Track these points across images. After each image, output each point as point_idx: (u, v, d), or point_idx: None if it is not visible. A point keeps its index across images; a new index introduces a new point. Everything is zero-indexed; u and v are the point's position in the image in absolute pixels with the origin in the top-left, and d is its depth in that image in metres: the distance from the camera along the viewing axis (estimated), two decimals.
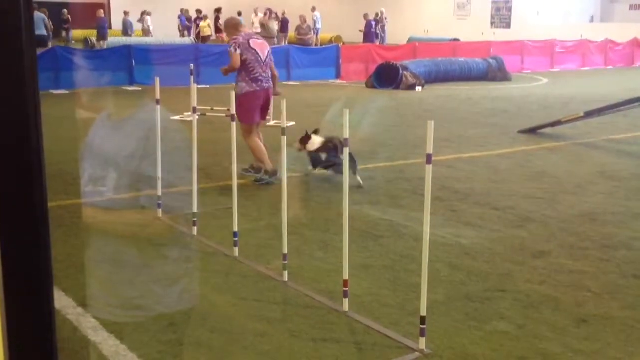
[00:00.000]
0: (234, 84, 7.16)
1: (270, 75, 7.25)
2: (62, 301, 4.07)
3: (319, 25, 29.30)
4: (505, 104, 14.57)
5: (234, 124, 5.07)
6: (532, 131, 10.67)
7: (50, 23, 22.54)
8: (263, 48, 7.20)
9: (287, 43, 23.31)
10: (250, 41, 7.12)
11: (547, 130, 10.63)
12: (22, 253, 1.07)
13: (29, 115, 1.06)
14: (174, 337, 3.69)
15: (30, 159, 1.06)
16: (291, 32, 26.77)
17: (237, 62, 6.98)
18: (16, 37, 1.01)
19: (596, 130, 10.83)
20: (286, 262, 4.54)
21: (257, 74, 7.06)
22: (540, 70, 23.50)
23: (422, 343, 3.57)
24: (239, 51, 6.98)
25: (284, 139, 4.55)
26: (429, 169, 3.51)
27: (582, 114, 10.39)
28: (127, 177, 7.05)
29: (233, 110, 5.11)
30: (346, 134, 3.93)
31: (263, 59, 7.11)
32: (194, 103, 5.61)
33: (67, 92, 14.85)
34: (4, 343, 1.09)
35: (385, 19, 28.65)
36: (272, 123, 10.73)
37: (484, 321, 3.93)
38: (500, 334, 3.76)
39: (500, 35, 31.14)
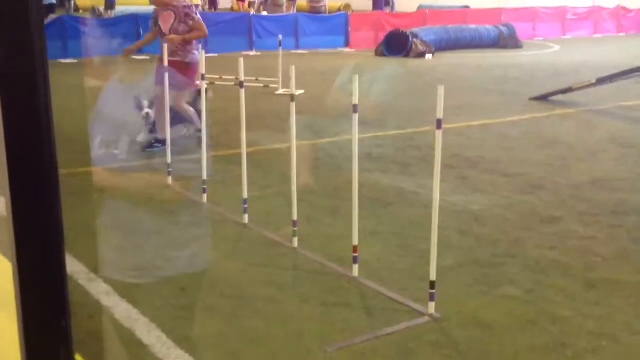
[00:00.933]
0: (177, 52, 7.02)
1: None
2: (74, 267, 4.11)
3: None
4: (517, 71, 14.45)
5: (242, 92, 5.04)
6: (544, 98, 10.59)
7: None
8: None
9: (295, 11, 23.13)
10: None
11: (559, 97, 10.54)
12: (34, 218, 1.07)
13: (38, 83, 1.05)
14: (185, 301, 3.72)
15: (40, 126, 1.05)
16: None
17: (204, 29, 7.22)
18: (23, 3, 1.00)
19: (608, 97, 10.73)
20: (296, 228, 4.55)
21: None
22: (552, 37, 23.25)
23: (432, 307, 3.59)
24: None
25: (293, 106, 4.53)
26: (439, 134, 3.49)
27: (593, 81, 10.30)
28: (137, 144, 7.06)
29: (242, 78, 5.07)
30: (355, 100, 3.90)
31: None
32: (203, 71, 5.59)
33: (75, 61, 14.82)
34: (18, 309, 1.10)
35: None
36: (281, 91, 10.70)
37: (494, 286, 3.94)
38: (509, 299, 3.77)
39: (512, 1, 30.74)
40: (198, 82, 6.92)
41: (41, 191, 1.05)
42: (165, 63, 6.21)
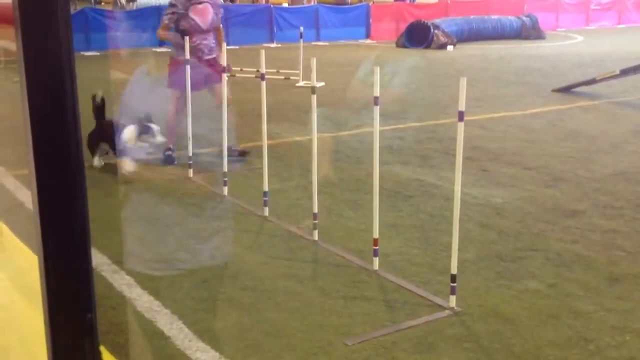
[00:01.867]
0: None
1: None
2: (97, 258, 4.15)
3: None
4: (539, 62, 14.31)
5: (263, 84, 5.05)
6: (566, 90, 10.48)
7: None
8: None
9: (315, 2, 23.09)
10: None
11: (582, 88, 10.43)
12: (60, 212, 1.08)
13: (64, 73, 1.06)
14: (206, 294, 3.74)
15: (66, 121, 1.06)
16: None
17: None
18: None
19: (632, 89, 10.60)
20: (316, 221, 4.55)
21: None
22: (575, 28, 22.99)
23: (453, 301, 3.58)
24: None
25: (314, 98, 4.53)
26: (461, 126, 3.47)
27: (617, 72, 10.17)
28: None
29: (263, 70, 5.08)
30: (377, 91, 3.89)
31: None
32: (224, 63, 5.60)
33: (97, 53, 14.92)
34: (44, 302, 1.11)
35: None
36: (302, 83, 10.70)
37: (515, 280, 3.92)
38: (531, 293, 3.75)
39: None
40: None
41: (67, 185, 1.07)
42: (184, 60, 5.85)
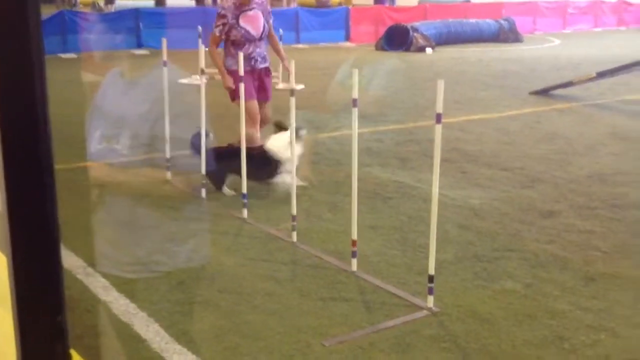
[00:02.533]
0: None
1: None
2: (72, 261, 4.11)
3: None
4: (517, 65, 14.43)
5: (242, 86, 5.03)
6: (544, 92, 10.58)
7: None
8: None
9: (296, 5, 23.08)
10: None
11: (559, 91, 10.53)
12: (29, 213, 1.07)
13: (35, 76, 1.04)
14: (183, 296, 3.72)
15: (37, 121, 1.05)
16: None
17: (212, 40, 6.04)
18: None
19: (608, 91, 10.72)
20: (295, 223, 4.55)
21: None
22: (553, 31, 23.22)
23: (430, 301, 3.59)
24: None
25: (292, 100, 4.53)
26: (439, 128, 3.49)
27: (594, 75, 10.28)
28: (136, 139, 7.06)
29: (241, 73, 5.05)
30: (355, 94, 3.90)
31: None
32: (202, 65, 5.59)
33: (75, 55, 14.80)
34: (13, 304, 1.10)
35: None
36: (281, 86, 10.69)
37: (492, 280, 3.94)
38: (508, 293, 3.78)
39: None
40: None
41: (37, 186, 1.05)
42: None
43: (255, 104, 5.93)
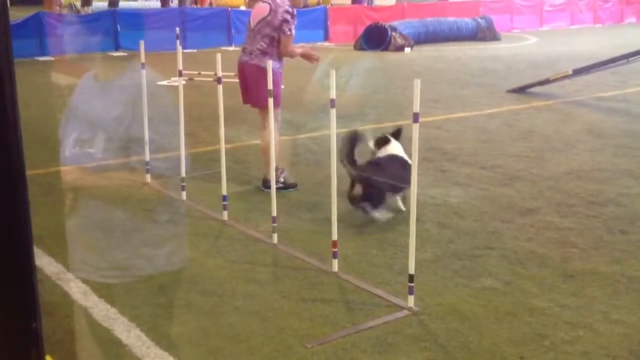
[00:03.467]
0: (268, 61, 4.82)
1: (255, 49, 5.67)
2: (51, 267, 4.08)
3: None
4: (494, 63, 14.53)
5: (220, 88, 5.02)
6: (521, 90, 10.66)
7: None
8: (255, 14, 5.86)
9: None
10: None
11: (536, 89, 10.62)
12: (1, 220, 1.06)
13: (4, 80, 1.04)
14: (165, 299, 3.71)
15: (6, 126, 1.04)
16: None
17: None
18: None
19: (584, 88, 10.83)
20: (275, 224, 4.55)
21: (245, 45, 5.90)
22: (529, 29, 23.41)
23: (411, 301, 3.61)
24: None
25: (271, 101, 4.53)
26: (416, 127, 3.50)
27: (570, 72, 10.38)
28: (115, 142, 7.02)
29: (220, 74, 5.03)
30: (332, 94, 3.90)
31: (251, 27, 5.81)
32: (180, 67, 5.57)
33: (52, 58, 14.68)
34: None
35: None
36: None
37: (472, 278, 3.97)
38: (488, 291, 3.81)
39: None
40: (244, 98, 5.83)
41: (8, 192, 1.05)
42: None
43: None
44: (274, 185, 4.61)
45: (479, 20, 20.38)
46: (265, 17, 5.68)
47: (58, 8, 24.59)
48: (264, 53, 5.63)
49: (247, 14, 19.63)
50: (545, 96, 10.25)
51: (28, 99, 8.92)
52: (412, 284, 3.61)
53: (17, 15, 16.17)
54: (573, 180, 5.93)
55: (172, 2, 25.55)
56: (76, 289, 3.81)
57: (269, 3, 5.72)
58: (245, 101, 5.87)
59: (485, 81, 12.01)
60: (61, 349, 3.15)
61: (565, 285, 3.88)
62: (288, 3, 5.79)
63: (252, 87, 5.66)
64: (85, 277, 3.95)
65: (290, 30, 5.70)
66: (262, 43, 5.66)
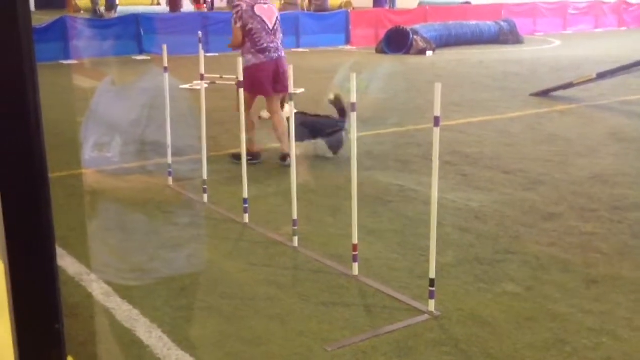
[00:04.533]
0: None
1: (280, 44, 6.54)
2: (75, 268, 4.13)
3: None
4: (517, 67, 14.43)
5: (241, 91, 5.05)
6: (544, 94, 10.58)
7: None
8: (270, 14, 6.48)
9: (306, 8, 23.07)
10: (256, 7, 6.43)
11: (559, 92, 10.53)
12: (25, 221, 1.08)
13: (27, 82, 1.05)
14: (186, 302, 3.73)
15: (29, 129, 1.06)
16: None
17: (238, 37, 6.44)
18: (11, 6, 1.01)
19: (608, 92, 10.72)
20: (296, 227, 4.56)
21: (264, 44, 6.42)
22: (553, 33, 23.22)
23: (432, 305, 3.59)
24: (239, 24, 6.40)
25: (292, 105, 4.54)
26: (437, 131, 3.49)
27: (594, 76, 10.28)
28: (137, 145, 7.08)
29: (241, 78, 5.08)
30: (353, 98, 3.91)
31: (270, 26, 6.42)
32: (202, 71, 5.60)
33: (75, 62, 14.83)
34: (11, 312, 1.11)
35: None
36: None
37: (493, 283, 3.94)
38: (509, 296, 3.78)
39: None
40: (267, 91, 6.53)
41: (32, 194, 1.06)
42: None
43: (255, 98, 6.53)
44: (294, 189, 4.62)
45: (502, 23, 20.26)
46: (278, 16, 6.58)
47: (82, 12, 24.85)
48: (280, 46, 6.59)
49: None
50: (568, 100, 10.17)
51: (52, 102, 9.01)
52: (433, 288, 3.60)
53: (42, 19, 16.40)
54: (597, 185, 5.87)
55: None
56: (99, 290, 3.85)
57: (269, 3, 6.53)
58: (273, 91, 6.60)
59: (508, 85, 11.93)
60: (84, 349, 3.18)
61: (588, 290, 3.84)
62: None
63: (284, 76, 6.45)
64: (107, 278, 3.99)
65: (233, 23, 6.51)
66: (280, 38, 6.56)
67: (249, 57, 6.45)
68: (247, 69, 6.22)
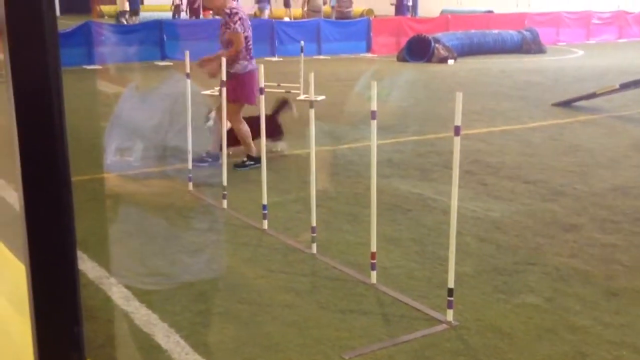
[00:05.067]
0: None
1: None
2: (95, 271, 4.16)
3: None
4: (540, 76, 14.34)
5: (262, 98, 5.07)
6: (566, 104, 10.50)
7: None
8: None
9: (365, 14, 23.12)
10: (245, 15, 6.59)
11: (582, 102, 10.45)
12: (46, 224, 1.09)
13: (51, 87, 1.07)
14: (204, 307, 3.74)
15: (53, 132, 1.07)
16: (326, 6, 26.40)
17: (242, 43, 6.46)
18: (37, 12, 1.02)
19: (632, 103, 10.61)
20: (315, 234, 4.56)
21: (252, 51, 6.65)
22: (576, 42, 23.05)
23: (450, 315, 3.57)
24: (241, 29, 6.46)
25: (312, 112, 4.55)
26: (457, 140, 3.48)
27: (617, 86, 10.19)
28: (159, 150, 7.13)
29: (261, 84, 5.09)
30: (374, 106, 3.91)
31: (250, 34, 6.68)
32: (224, 77, 5.63)
33: (99, 67, 14.97)
34: (31, 315, 1.12)
35: None
36: (302, 97, 10.73)
37: (513, 294, 3.91)
38: (528, 307, 3.75)
39: (535, 6, 30.53)
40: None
41: (54, 197, 1.07)
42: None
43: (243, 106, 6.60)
44: (313, 196, 4.62)
45: (524, 32, 20.15)
46: None
47: (105, 17, 25.08)
48: None
49: (291, 25, 19.84)
50: (591, 110, 10.08)
51: (76, 107, 9.11)
52: (452, 298, 3.58)
53: (66, 24, 16.57)
54: (618, 197, 5.81)
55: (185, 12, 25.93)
56: (118, 294, 3.88)
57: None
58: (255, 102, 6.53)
59: (530, 94, 11.86)
60: (102, 353, 3.20)
61: (609, 303, 3.80)
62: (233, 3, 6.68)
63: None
64: (127, 282, 4.01)
65: (233, 26, 6.55)
66: None
67: (245, 63, 6.55)
68: (245, 75, 6.42)
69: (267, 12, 24.82)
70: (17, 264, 2.53)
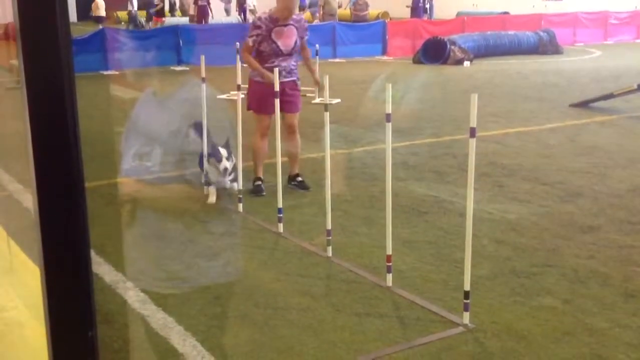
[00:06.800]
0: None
1: (292, 67, 6.15)
2: (111, 275, 4.18)
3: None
4: (556, 77, 14.25)
5: (277, 102, 5.08)
6: (584, 105, 10.43)
7: None
8: (288, 39, 6.06)
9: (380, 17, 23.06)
10: (274, 31, 6.00)
11: (599, 103, 10.37)
12: (60, 229, 1.10)
13: (64, 90, 1.08)
14: (220, 310, 3.75)
15: (67, 137, 1.08)
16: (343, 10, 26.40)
17: (251, 50, 6.05)
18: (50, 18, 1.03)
19: None
20: (330, 237, 4.56)
21: (275, 62, 5.95)
22: (593, 43, 22.86)
23: (466, 318, 3.56)
24: (252, 41, 6.03)
25: (327, 115, 4.55)
26: (473, 142, 3.47)
27: (635, 87, 10.09)
28: (174, 154, 7.16)
29: (277, 88, 5.10)
30: (388, 109, 3.90)
31: (284, 51, 6.05)
32: (239, 81, 5.65)
33: (116, 72, 15.07)
34: (46, 319, 1.12)
35: None
36: (317, 100, 10.74)
37: (530, 296, 3.89)
38: (546, 309, 3.72)
39: (552, 7, 30.36)
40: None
41: (68, 202, 1.08)
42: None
43: (265, 117, 5.97)
44: (328, 199, 4.62)
45: (541, 33, 20.03)
46: (297, 39, 6.11)
47: (122, 23, 25.24)
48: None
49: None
50: (608, 111, 10.01)
51: (92, 112, 9.18)
52: (468, 301, 3.57)
53: (83, 30, 16.71)
54: (636, 198, 5.76)
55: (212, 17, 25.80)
56: (135, 298, 3.90)
57: (291, 24, 6.09)
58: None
59: (547, 95, 11.79)
60: (118, 356, 3.21)
61: (627, 305, 3.76)
62: (266, 14, 6.12)
63: (289, 98, 6.07)
64: (143, 286, 4.04)
65: (249, 36, 6.06)
66: (295, 60, 6.19)
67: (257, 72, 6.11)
68: (253, 83, 6.08)
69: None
70: (34, 269, 2.56)
